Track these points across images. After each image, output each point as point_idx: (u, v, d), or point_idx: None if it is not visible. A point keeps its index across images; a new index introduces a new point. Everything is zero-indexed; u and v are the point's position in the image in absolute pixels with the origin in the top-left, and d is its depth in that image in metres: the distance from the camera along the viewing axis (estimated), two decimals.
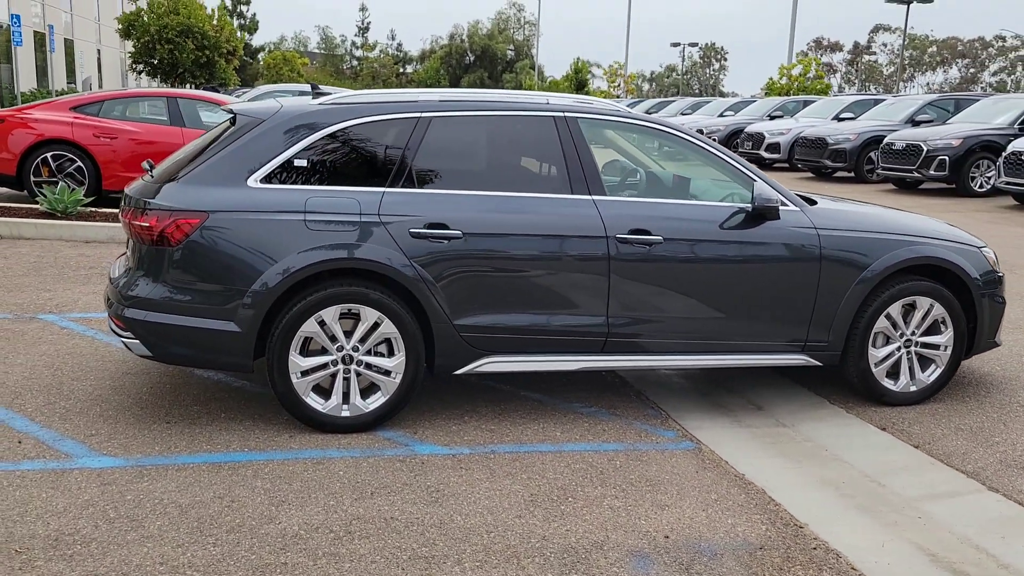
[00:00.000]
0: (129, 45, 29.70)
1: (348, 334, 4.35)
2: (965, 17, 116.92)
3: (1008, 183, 14.36)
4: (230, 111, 4.70)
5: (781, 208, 4.80)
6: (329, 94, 4.85)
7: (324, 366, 4.35)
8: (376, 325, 4.35)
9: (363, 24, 64.91)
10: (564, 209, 4.56)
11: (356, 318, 4.35)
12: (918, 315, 5.07)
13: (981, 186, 16.09)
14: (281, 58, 46.97)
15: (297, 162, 4.36)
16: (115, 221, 9.36)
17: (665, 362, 4.83)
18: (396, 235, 4.32)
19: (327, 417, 4.37)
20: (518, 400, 4.98)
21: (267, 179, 4.32)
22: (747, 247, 4.76)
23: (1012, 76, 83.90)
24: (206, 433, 4.34)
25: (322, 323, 4.30)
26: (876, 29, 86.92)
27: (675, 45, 71.93)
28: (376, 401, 4.43)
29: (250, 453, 4.13)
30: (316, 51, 63.85)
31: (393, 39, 69.13)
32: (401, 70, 61.95)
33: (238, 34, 29.01)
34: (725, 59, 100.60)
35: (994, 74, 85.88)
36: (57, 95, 22.88)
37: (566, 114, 4.71)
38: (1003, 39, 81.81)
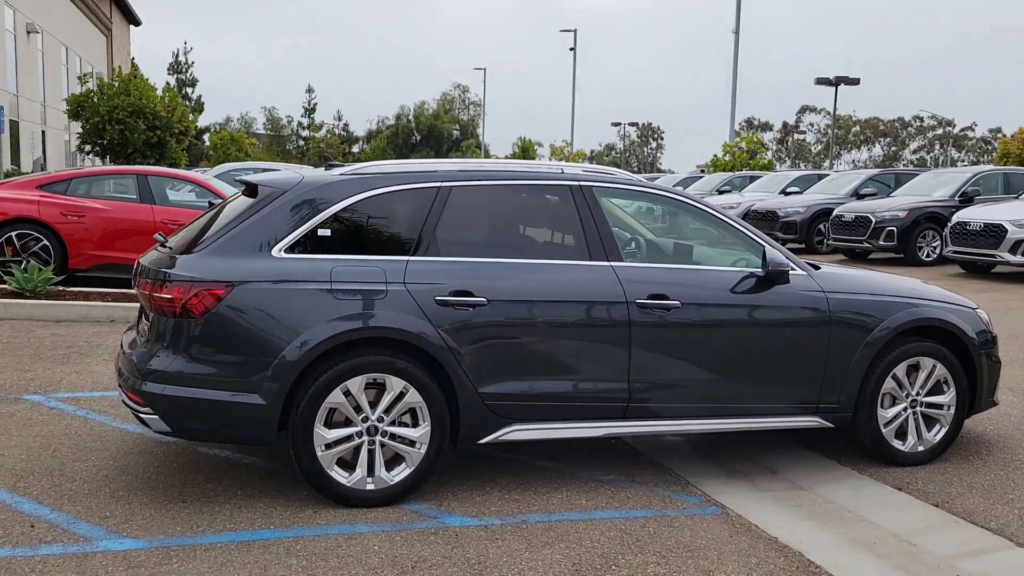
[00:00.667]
0: (77, 126, 29.38)
1: (372, 404, 4.28)
2: (885, 99, 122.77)
3: (955, 252, 14.90)
4: (246, 183, 4.68)
5: (791, 272, 4.90)
6: (342, 166, 4.86)
7: (348, 438, 4.26)
8: (402, 395, 4.29)
9: (309, 105, 65.53)
10: (585, 275, 4.60)
11: (381, 388, 4.29)
12: (922, 375, 5.18)
13: (928, 255, 16.65)
14: (229, 138, 46.94)
15: (321, 232, 4.34)
16: (86, 300, 9.14)
17: (683, 427, 4.84)
18: (422, 303, 4.30)
19: (352, 491, 4.26)
20: (535, 469, 4.92)
21: (291, 249, 4.28)
22: (760, 311, 4.85)
23: (931, 153, 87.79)
24: (226, 511, 4.18)
25: (347, 393, 4.22)
26: (803, 110, 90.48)
27: (615, 124, 73.99)
28: (401, 473, 4.33)
29: (278, 530, 3.99)
30: (262, 132, 64.07)
31: (340, 119, 69.45)
32: (348, 149, 62.39)
33: (189, 116, 28.91)
34: (662, 138, 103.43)
35: (914, 151, 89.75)
36: (6, 176, 22.46)
37: (581, 183, 4.79)
38: (921, 119, 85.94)
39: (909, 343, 5.11)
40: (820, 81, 45.63)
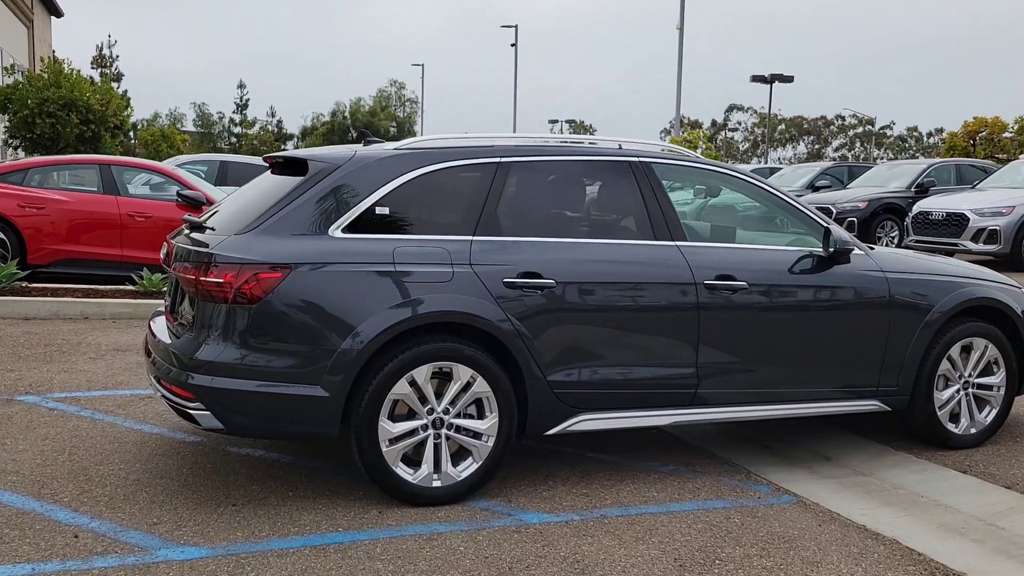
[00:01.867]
0: (4, 119, 28.02)
1: (437, 395, 3.98)
2: (809, 99, 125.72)
3: (917, 240, 15.12)
4: (286, 159, 4.32)
5: (852, 252, 4.75)
6: (380, 141, 4.54)
7: (413, 432, 3.95)
8: (468, 384, 4.00)
9: (241, 101, 63.73)
10: (652, 256, 4.37)
11: (446, 377, 3.99)
12: (974, 356, 5.09)
13: (886, 244, 16.92)
14: (159, 134, 45.35)
15: (379, 210, 4.02)
16: (54, 296, 8.55)
17: (747, 414, 4.65)
18: (490, 286, 4.01)
19: (419, 488, 3.95)
20: (590, 462, 4.67)
21: (349, 229, 3.95)
22: (824, 292, 4.69)
23: (852, 151, 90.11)
24: (284, 514, 3.84)
25: (412, 383, 3.92)
26: (731, 108, 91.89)
27: (553, 122, 74.05)
28: (468, 468, 4.04)
29: (349, 533, 3.67)
30: (192, 129, 62.17)
31: (273, 116, 67.63)
32: (282, 146, 60.99)
33: (125, 110, 27.79)
34: (593, 134, 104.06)
35: (836, 149, 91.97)
36: None
37: (641, 159, 4.56)
38: (843, 118, 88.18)
39: (963, 324, 5.02)
40: (755, 79, 46.50)
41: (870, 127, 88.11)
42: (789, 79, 46.37)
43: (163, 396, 3.99)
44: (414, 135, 67.56)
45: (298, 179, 4.06)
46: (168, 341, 4.06)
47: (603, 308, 4.23)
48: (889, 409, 4.93)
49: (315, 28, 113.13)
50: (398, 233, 4.03)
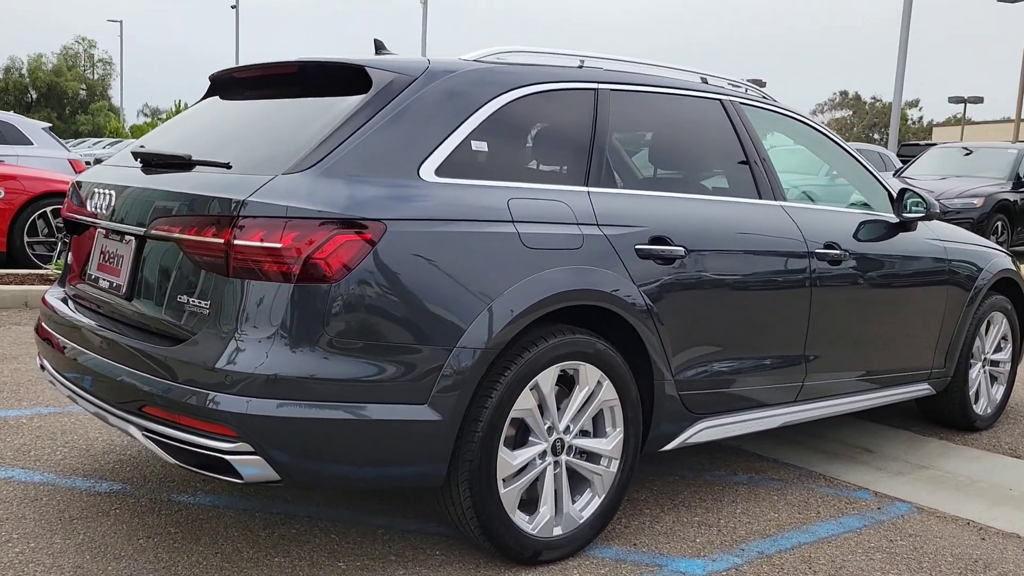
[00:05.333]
0: None
1: (558, 408, 2.84)
2: None
3: None
4: (321, 66, 2.88)
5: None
6: (395, 54, 3.27)
7: (530, 463, 2.78)
8: (594, 392, 2.90)
9: None
10: (767, 218, 3.50)
11: (568, 383, 2.86)
12: (993, 332, 4.79)
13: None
14: None
15: (475, 145, 2.77)
16: None
17: (840, 407, 3.93)
18: (623, 255, 2.93)
19: (541, 541, 2.79)
20: (658, 479, 3.74)
21: (444, 171, 2.67)
22: (905, 263, 4.09)
23: None
24: None
25: (535, 392, 2.75)
26: None
27: None
28: (589, 505, 2.95)
29: None
30: None
31: None
32: None
33: None
34: None
35: None
36: None
37: (733, 99, 3.66)
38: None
39: (991, 297, 4.68)
40: None
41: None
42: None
43: (147, 435, 2.47)
44: (108, 100, 60.99)
45: (357, 98, 2.68)
46: (135, 341, 2.53)
47: (729, 284, 3.29)
48: (934, 393, 4.46)
49: None
50: (505, 180, 2.80)
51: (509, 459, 2.69)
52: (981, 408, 4.75)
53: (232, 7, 39.39)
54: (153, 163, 2.77)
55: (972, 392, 4.65)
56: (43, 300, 3.25)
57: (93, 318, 2.85)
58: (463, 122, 2.75)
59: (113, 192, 2.78)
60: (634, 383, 2.98)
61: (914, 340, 4.19)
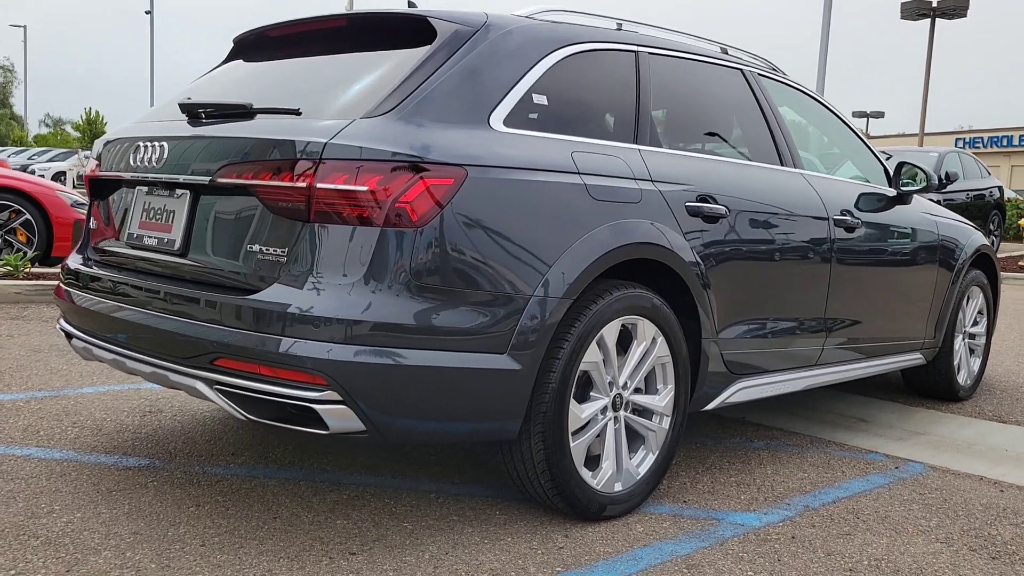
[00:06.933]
0: None
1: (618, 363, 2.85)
2: None
3: None
4: (376, 17, 2.81)
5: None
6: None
7: (594, 418, 2.78)
8: (649, 348, 2.91)
9: None
10: (792, 184, 3.59)
11: (627, 338, 2.87)
12: (972, 305, 4.99)
13: None
14: None
15: (536, 99, 2.76)
16: None
17: (847, 373, 4.03)
18: (676, 211, 2.95)
19: (605, 496, 2.78)
20: (687, 446, 3.77)
21: (511, 122, 2.65)
22: (905, 235, 4.24)
23: None
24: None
25: (601, 346, 2.74)
26: None
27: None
28: (645, 461, 2.96)
29: None
30: None
31: None
32: None
33: None
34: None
35: None
36: None
37: (752, 70, 3.74)
38: None
39: (971, 271, 4.88)
40: None
41: None
42: None
43: (220, 389, 2.37)
44: (10, 108, 58.57)
45: (422, 48, 2.64)
46: (203, 292, 2.43)
47: (764, 246, 3.35)
48: (924, 363, 4.63)
49: None
50: (561, 133, 2.80)
51: (578, 412, 2.67)
52: (963, 379, 4.94)
53: (147, 12, 38.28)
54: (206, 115, 2.66)
55: (956, 363, 4.84)
56: (63, 267, 3.10)
57: (137, 277, 2.72)
58: (525, 75, 2.74)
59: (163, 144, 2.66)
60: (684, 340, 3.00)
61: (911, 310, 4.34)
